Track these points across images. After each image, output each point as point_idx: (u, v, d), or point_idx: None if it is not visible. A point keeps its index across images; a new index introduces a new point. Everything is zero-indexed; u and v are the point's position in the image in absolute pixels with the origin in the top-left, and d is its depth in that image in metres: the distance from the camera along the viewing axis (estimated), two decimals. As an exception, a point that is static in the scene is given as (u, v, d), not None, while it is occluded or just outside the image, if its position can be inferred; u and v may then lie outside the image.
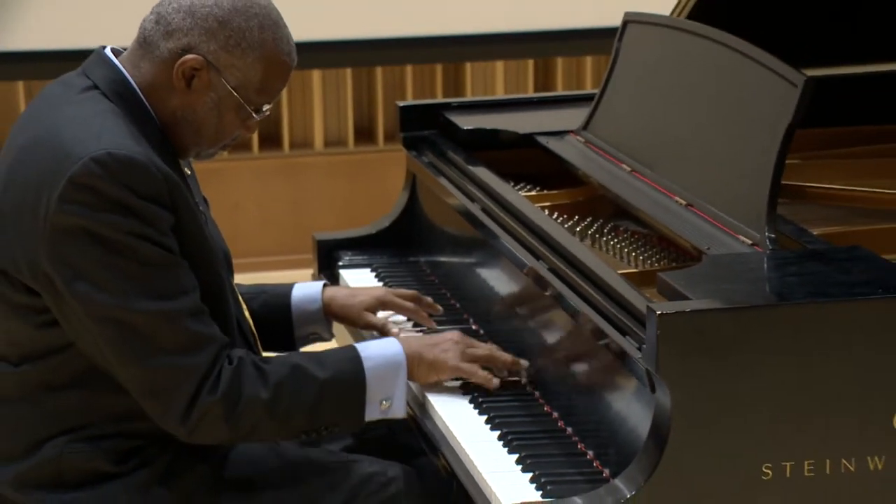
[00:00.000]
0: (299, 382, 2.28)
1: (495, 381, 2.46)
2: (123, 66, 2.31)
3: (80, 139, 2.20)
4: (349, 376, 2.32)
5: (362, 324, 2.72)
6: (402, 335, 2.48)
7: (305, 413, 2.29)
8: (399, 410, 2.37)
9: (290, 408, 2.27)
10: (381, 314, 2.73)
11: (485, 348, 2.50)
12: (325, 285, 2.74)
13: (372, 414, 2.34)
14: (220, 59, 2.27)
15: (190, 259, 2.26)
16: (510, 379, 2.50)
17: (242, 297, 2.63)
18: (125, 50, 2.35)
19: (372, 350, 2.36)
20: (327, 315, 2.72)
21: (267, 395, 2.25)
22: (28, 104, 2.39)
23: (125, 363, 2.21)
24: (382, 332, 2.67)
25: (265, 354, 2.59)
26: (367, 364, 2.33)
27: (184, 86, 2.28)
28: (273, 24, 2.30)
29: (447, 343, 2.45)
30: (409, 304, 2.74)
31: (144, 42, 2.30)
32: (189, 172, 2.44)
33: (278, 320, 2.69)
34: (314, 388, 2.28)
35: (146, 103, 2.30)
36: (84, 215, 2.16)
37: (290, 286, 2.73)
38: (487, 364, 2.47)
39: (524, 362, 2.50)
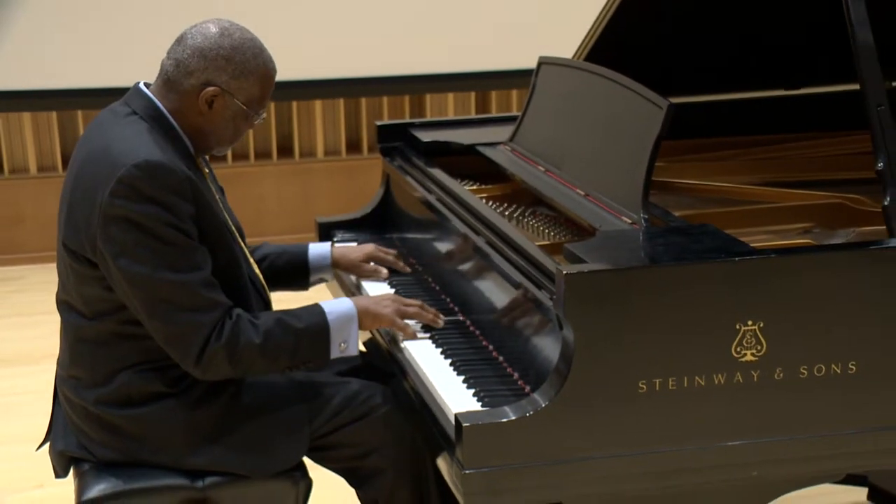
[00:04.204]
0: (282, 331, 2.24)
1: (420, 334, 2.42)
2: (155, 97, 2.27)
3: (125, 151, 2.17)
4: (317, 326, 2.28)
5: (360, 272, 2.77)
6: (353, 297, 2.44)
7: (288, 353, 2.25)
8: (353, 350, 2.33)
9: (276, 350, 2.23)
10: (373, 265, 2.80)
11: (414, 307, 2.44)
12: (332, 244, 2.77)
13: (334, 353, 2.31)
14: (231, 86, 2.24)
15: (209, 237, 2.22)
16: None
17: (269, 255, 2.66)
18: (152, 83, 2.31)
19: (333, 307, 2.32)
20: (333, 267, 2.75)
21: (259, 340, 2.21)
22: (87, 126, 2.34)
23: (153, 318, 2.17)
24: (373, 276, 2.76)
25: (286, 292, 2.68)
26: (329, 317, 2.30)
27: (207, 109, 2.25)
28: (260, 51, 2.27)
29: (386, 301, 2.42)
30: (391, 257, 2.80)
31: (168, 80, 2.26)
32: (208, 171, 2.41)
33: (297, 271, 2.72)
34: (293, 335, 2.25)
35: (174, 123, 2.26)
36: (126, 206, 2.13)
37: (305, 246, 2.74)
38: (414, 319, 2.44)
39: (441, 321, 2.45)
